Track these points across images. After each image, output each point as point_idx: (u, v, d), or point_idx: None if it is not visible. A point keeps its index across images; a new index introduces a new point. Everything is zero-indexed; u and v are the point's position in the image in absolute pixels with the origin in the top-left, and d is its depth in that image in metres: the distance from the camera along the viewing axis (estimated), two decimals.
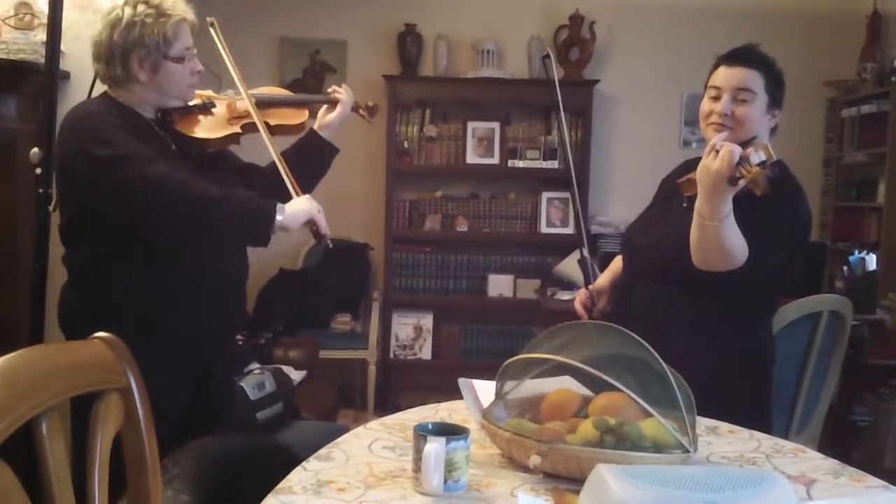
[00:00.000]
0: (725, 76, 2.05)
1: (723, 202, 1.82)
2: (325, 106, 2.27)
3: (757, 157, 1.81)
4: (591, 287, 2.32)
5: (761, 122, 2.05)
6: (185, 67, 1.98)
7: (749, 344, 2.10)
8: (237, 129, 2.09)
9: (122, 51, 1.92)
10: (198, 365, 2.08)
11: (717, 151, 1.82)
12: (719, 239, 1.86)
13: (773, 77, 2.06)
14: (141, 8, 1.92)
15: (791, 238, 2.02)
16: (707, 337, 2.02)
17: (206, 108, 2.09)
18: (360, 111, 2.33)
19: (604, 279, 2.35)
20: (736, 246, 1.88)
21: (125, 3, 1.94)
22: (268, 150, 2.06)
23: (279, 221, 1.87)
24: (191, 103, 2.06)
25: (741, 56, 2.06)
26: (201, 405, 2.10)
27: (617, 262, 2.33)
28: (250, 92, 2.12)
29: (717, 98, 2.05)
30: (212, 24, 2.13)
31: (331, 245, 2.02)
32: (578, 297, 2.37)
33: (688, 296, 2.02)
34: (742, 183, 1.77)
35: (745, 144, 1.96)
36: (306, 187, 2.12)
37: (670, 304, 2.06)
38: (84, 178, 1.91)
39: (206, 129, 2.06)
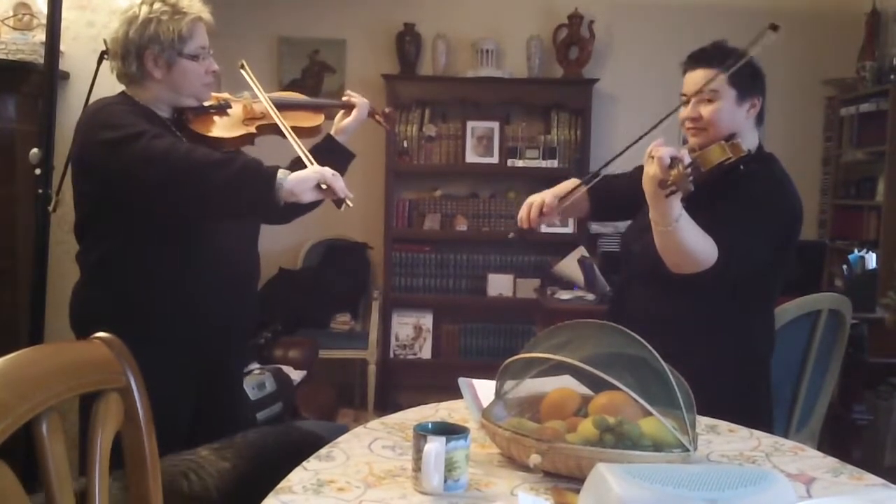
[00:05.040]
0: (688, 81, 2.10)
1: (668, 207, 1.83)
2: (341, 111, 2.27)
3: (688, 159, 1.82)
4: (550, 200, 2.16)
5: (734, 117, 2.06)
6: (200, 66, 2.00)
7: (741, 343, 2.10)
8: (252, 129, 2.11)
9: (137, 48, 1.95)
10: (208, 363, 2.09)
11: (653, 157, 1.83)
12: (678, 242, 1.88)
13: (737, 70, 2.04)
14: (157, 6, 1.95)
15: (770, 233, 2.01)
16: (698, 337, 2.02)
17: (222, 108, 2.11)
18: (377, 117, 2.33)
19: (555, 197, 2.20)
20: (698, 246, 1.89)
21: (142, 2, 1.97)
22: (284, 152, 2.06)
23: (286, 187, 1.80)
24: (206, 104, 2.08)
25: (699, 58, 2.10)
26: (209, 404, 2.11)
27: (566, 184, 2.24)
28: (267, 95, 2.14)
29: (688, 104, 2.10)
30: (242, 67, 2.17)
31: (351, 205, 1.89)
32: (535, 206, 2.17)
33: (678, 297, 2.03)
34: (670, 188, 1.77)
35: (726, 140, 1.98)
36: None
37: (661, 306, 2.07)
38: (96, 165, 1.92)
39: (221, 128, 2.09)
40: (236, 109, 2.13)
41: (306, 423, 2.95)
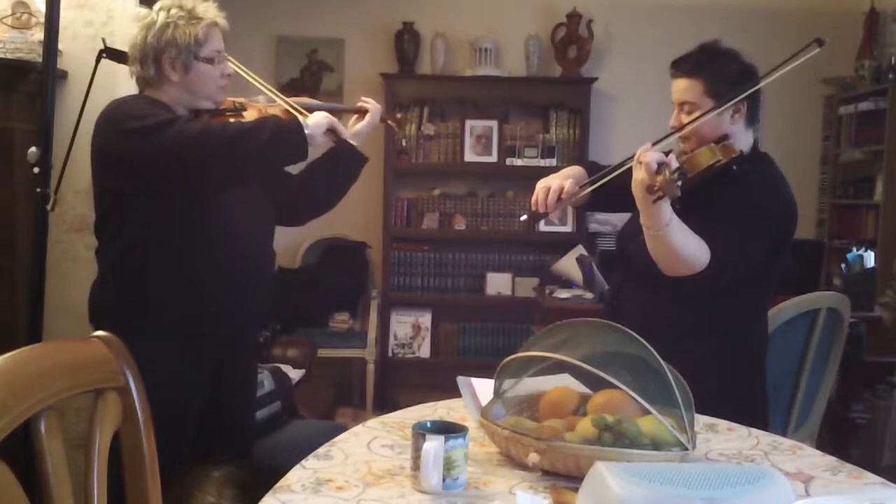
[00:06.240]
0: (673, 89, 2.10)
1: (658, 211, 1.83)
2: (354, 115, 2.29)
3: (675, 164, 1.82)
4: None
5: (716, 125, 2.04)
6: (216, 69, 2.06)
7: (737, 342, 2.10)
8: None
9: (154, 52, 2.01)
10: (219, 361, 2.10)
11: (641, 163, 1.83)
12: (669, 246, 1.88)
13: (716, 78, 2.04)
14: (174, 11, 2.01)
15: (765, 234, 2.01)
16: (694, 337, 2.02)
17: (237, 111, 2.15)
18: (389, 121, 2.37)
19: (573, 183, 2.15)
20: (689, 249, 1.89)
21: (160, 9, 2.03)
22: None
23: (307, 132, 1.96)
24: (222, 107, 2.12)
25: (679, 66, 2.09)
26: (218, 402, 2.12)
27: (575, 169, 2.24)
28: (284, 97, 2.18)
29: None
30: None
31: (356, 145, 2.10)
32: (550, 191, 2.12)
33: (673, 298, 2.03)
34: (657, 193, 1.77)
35: (717, 142, 1.98)
36: (336, 196, 2.25)
37: (657, 306, 2.07)
38: (126, 157, 1.95)
39: None
40: (251, 112, 2.16)
41: (302, 422, 2.95)
